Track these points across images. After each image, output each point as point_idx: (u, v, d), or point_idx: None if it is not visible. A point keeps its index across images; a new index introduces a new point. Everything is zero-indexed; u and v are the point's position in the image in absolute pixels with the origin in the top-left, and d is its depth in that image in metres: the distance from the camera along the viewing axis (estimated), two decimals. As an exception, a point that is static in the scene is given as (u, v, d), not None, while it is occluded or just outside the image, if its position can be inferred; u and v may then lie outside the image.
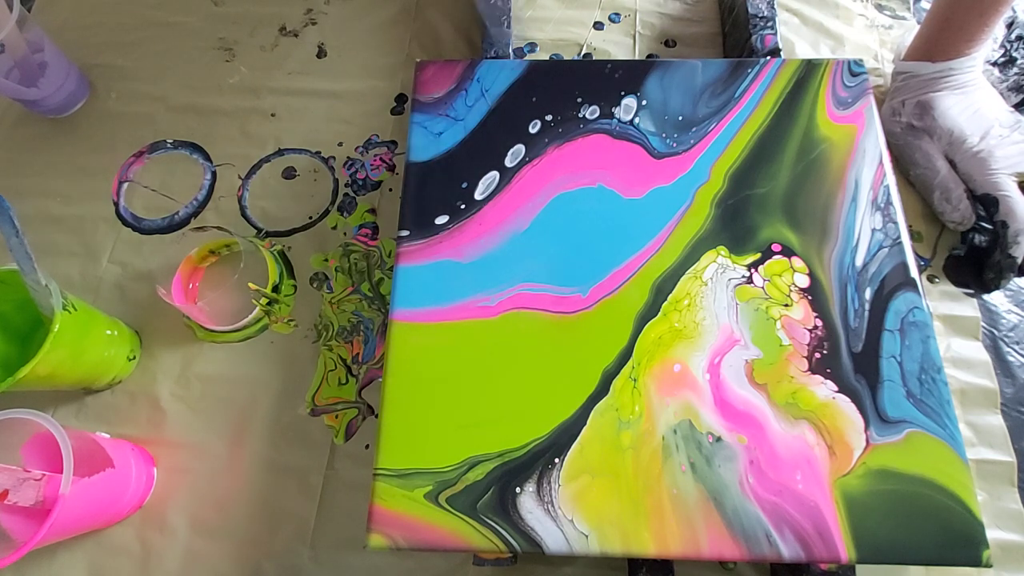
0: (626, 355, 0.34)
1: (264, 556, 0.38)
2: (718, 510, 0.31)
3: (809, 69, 0.42)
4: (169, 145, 0.50)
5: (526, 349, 0.35)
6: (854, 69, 0.41)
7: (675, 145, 0.40)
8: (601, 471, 0.32)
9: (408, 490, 0.32)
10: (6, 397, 0.37)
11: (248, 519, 0.39)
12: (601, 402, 0.33)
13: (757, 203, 0.38)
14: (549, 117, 0.41)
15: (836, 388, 0.33)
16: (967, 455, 0.32)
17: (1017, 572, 0.36)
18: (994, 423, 0.39)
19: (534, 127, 0.41)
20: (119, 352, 0.41)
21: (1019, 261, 0.40)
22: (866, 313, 0.35)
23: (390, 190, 0.47)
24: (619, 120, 0.41)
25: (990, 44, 0.48)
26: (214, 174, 0.49)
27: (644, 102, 0.41)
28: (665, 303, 0.35)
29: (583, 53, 0.52)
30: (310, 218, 0.47)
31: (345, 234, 0.46)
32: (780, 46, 0.46)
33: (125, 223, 0.47)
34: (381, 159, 0.49)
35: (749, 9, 0.47)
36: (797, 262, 0.36)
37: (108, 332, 0.40)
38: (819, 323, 0.35)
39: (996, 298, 0.43)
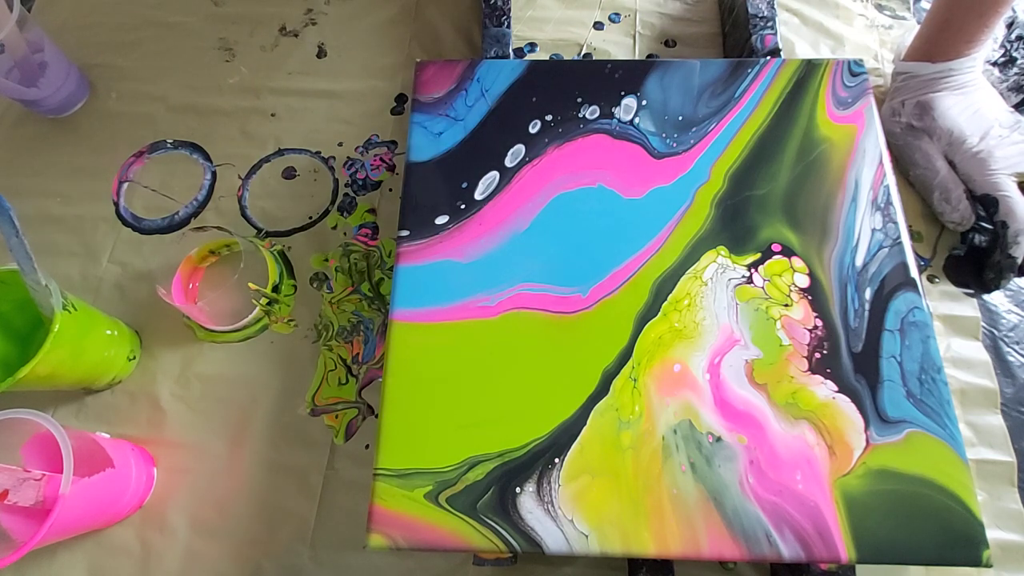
0: (626, 355, 0.34)
1: (264, 556, 0.38)
2: (718, 510, 0.31)
3: (809, 69, 0.42)
4: (169, 145, 0.50)
5: (526, 349, 0.35)
6: (854, 69, 0.41)
7: (675, 145, 0.40)
8: (601, 471, 0.32)
9: (408, 490, 0.32)
10: (6, 397, 0.37)
11: (248, 519, 0.39)
12: (601, 402, 0.33)
13: (757, 203, 0.38)
14: (549, 117, 0.41)
15: (836, 388, 0.33)
16: (967, 455, 0.32)
17: (1017, 572, 0.36)
18: (994, 423, 0.39)
19: (534, 127, 0.41)
20: (119, 352, 0.41)
21: (1019, 261, 0.40)
22: (866, 313, 0.35)
23: (390, 190, 0.47)
24: (619, 120, 0.41)
25: (990, 44, 0.48)
26: (214, 174, 0.49)
27: (644, 102, 0.41)
28: (665, 303, 0.35)
29: (583, 53, 0.52)
30: (310, 218, 0.47)
31: (345, 234, 0.46)
32: (780, 46, 0.46)
33: (125, 223, 0.47)
34: (381, 159, 0.49)
35: (749, 9, 0.47)
36: (797, 262, 0.36)
37: (108, 332, 0.40)
38: (819, 323, 0.35)
39: (996, 298, 0.43)
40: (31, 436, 0.35)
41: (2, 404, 0.35)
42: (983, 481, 0.38)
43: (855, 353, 0.34)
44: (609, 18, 0.53)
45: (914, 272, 0.36)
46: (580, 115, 0.41)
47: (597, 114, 0.41)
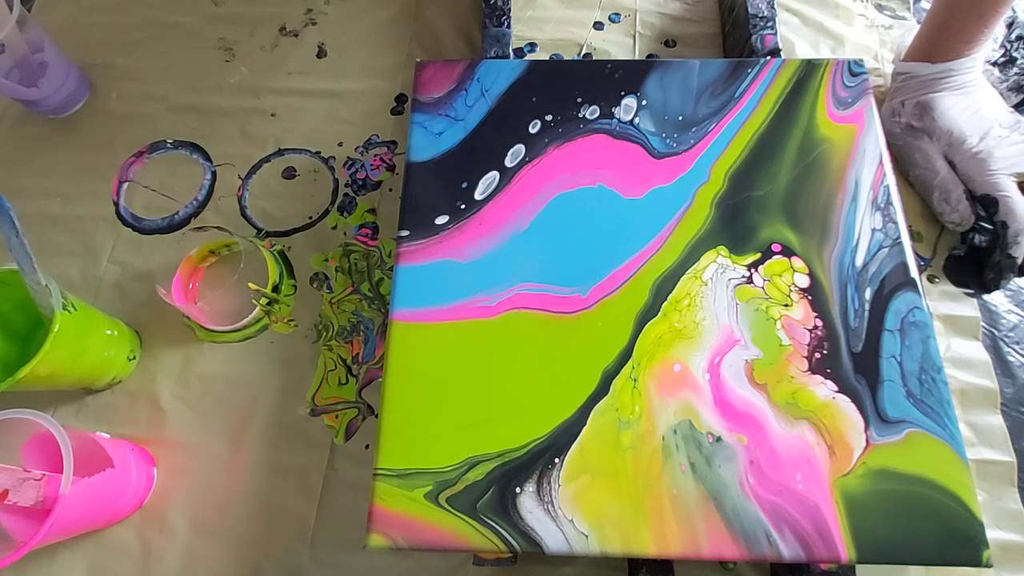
0: (626, 355, 0.34)
1: (264, 556, 0.38)
2: (718, 510, 0.31)
3: (809, 69, 0.42)
4: (169, 145, 0.50)
5: (526, 349, 0.35)
6: (854, 69, 0.41)
7: (675, 145, 0.40)
8: (601, 471, 0.32)
9: (408, 490, 0.32)
10: (6, 397, 0.37)
11: (248, 519, 0.39)
12: (601, 402, 0.33)
13: (757, 203, 0.38)
14: (549, 117, 0.41)
15: (836, 388, 0.33)
16: (967, 455, 0.32)
17: (1017, 572, 0.36)
18: (994, 423, 0.39)
19: (534, 127, 0.41)
20: (119, 352, 0.41)
21: (1019, 261, 0.40)
22: (866, 313, 0.35)
23: (390, 190, 0.47)
24: (619, 120, 0.41)
25: (990, 44, 0.48)
26: (214, 174, 0.49)
27: (644, 102, 0.41)
28: (665, 303, 0.35)
29: (583, 53, 0.52)
30: (310, 218, 0.47)
31: (345, 234, 0.46)
32: (780, 46, 0.46)
33: (125, 223, 0.47)
34: (381, 159, 0.49)
35: (749, 9, 0.47)
36: (797, 262, 0.36)
37: (108, 332, 0.40)
38: (819, 323, 0.35)
39: (996, 298, 0.43)
40: (31, 436, 0.35)
41: (2, 404, 0.35)
42: (983, 481, 0.38)
43: (855, 353, 0.34)
44: (609, 18, 0.53)
45: (914, 272, 0.36)
46: (580, 115, 0.41)
47: (597, 114, 0.41)
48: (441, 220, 0.38)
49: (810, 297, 0.35)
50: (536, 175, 0.39)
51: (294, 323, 0.44)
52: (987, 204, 0.41)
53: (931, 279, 0.43)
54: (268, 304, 0.43)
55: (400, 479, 0.32)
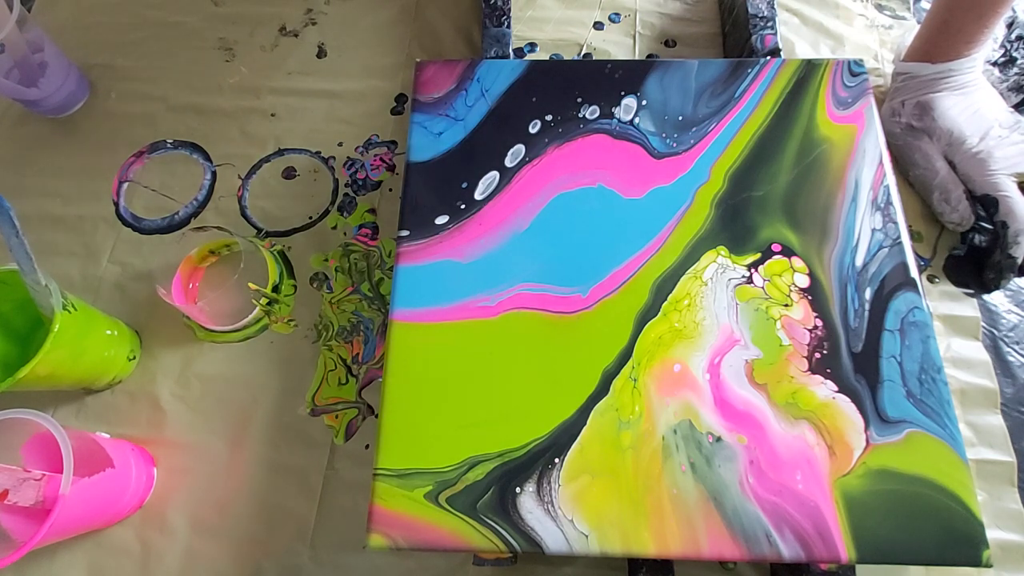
0: (626, 355, 0.34)
1: (264, 556, 0.38)
2: (718, 510, 0.31)
3: (809, 69, 0.42)
4: (169, 145, 0.50)
5: (526, 349, 0.35)
6: (854, 69, 0.41)
7: (675, 145, 0.40)
8: (601, 471, 0.32)
9: (408, 490, 0.32)
10: (6, 397, 0.37)
11: (248, 519, 0.39)
12: (601, 402, 0.33)
13: (757, 203, 0.38)
14: (549, 117, 0.41)
15: (836, 388, 0.33)
16: (967, 455, 0.32)
17: (1017, 572, 0.36)
18: (994, 423, 0.39)
19: (534, 127, 0.41)
20: (119, 352, 0.41)
21: (1019, 261, 0.40)
22: (866, 313, 0.35)
23: (390, 190, 0.47)
24: (619, 120, 0.41)
25: (990, 44, 0.48)
26: (214, 174, 0.49)
27: (644, 102, 0.41)
28: (665, 303, 0.35)
29: (583, 53, 0.52)
30: (310, 218, 0.47)
31: (345, 234, 0.46)
32: (780, 46, 0.46)
33: (125, 223, 0.47)
34: (381, 159, 0.49)
35: (749, 9, 0.47)
36: (797, 262, 0.36)
37: (108, 332, 0.40)
38: (819, 323, 0.35)
39: (996, 298, 0.43)
40: (31, 436, 0.35)
41: (2, 404, 0.35)
42: (983, 481, 0.38)
43: (855, 353, 0.34)
44: (609, 18, 0.53)
45: (914, 272, 0.36)
46: (580, 115, 0.41)
47: (597, 114, 0.41)
48: (441, 220, 0.38)
49: (810, 297, 0.35)
50: (536, 175, 0.39)
51: (294, 323, 0.44)
52: (987, 204, 0.41)
53: (931, 279, 0.43)
54: (268, 304, 0.43)
55: (400, 479, 0.32)
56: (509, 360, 0.35)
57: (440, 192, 0.39)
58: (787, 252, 0.37)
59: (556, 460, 0.32)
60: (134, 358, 0.43)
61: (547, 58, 0.52)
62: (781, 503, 0.31)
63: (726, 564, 0.36)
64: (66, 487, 0.31)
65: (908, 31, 0.48)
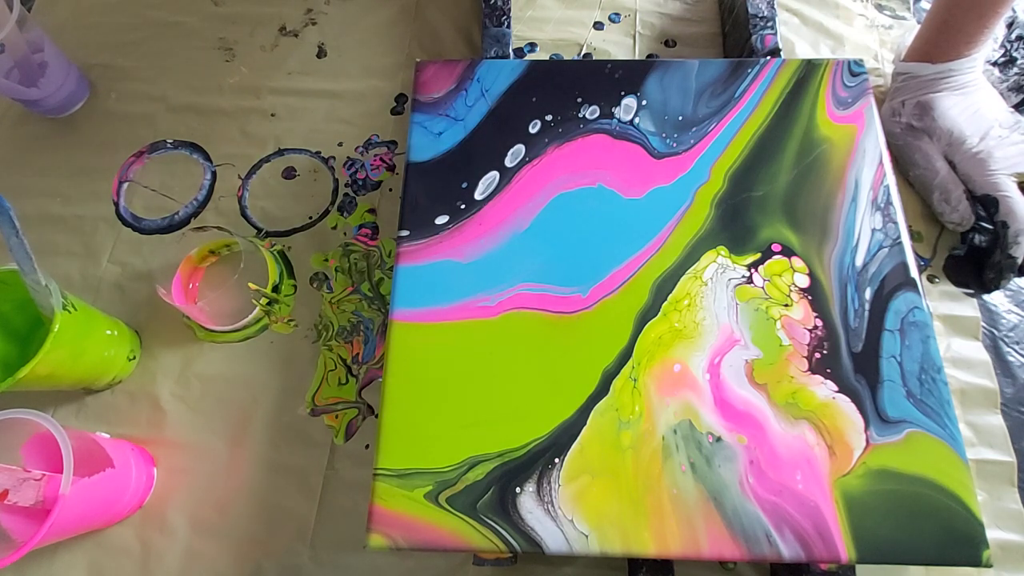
0: (626, 355, 0.34)
1: (264, 556, 0.38)
2: (718, 510, 0.31)
3: (809, 69, 0.42)
4: (169, 145, 0.50)
5: (526, 349, 0.35)
6: (854, 69, 0.41)
7: (675, 145, 0.40)
8: (601, 471, 0.32)
9: (408, 490, 0.32)
10: (6, 397, 0.37)
11: (248, 519, 0.39)
12: (601, 402, 0.33)
13: (757, 203, 0.38)
14: (549, 117, 0.41)
15: (836, 388, 0.33)
16: (967, 455, 0.32)
17: (1017, 572, 0.36)
18: (994, 423, 0.39)
19: (534, 127, 0.41)
20: (119, 352, 0.41)
21: (1019, 261, 0.40)
22: (866, 313, 0.35)
23: (390, 190, 0.47)
24: (619, 120, 0.41)
25: (990, 44, 0.48)
26: (214, 174, 0.49)
27: (644, 102, 0.41)
28: (665, 303, 0.35)
29: (583, 53, 0.52)
30: (310, 218, 0.47)
31: (345, 234, 0.46)
32: (780, 46, 0.46)
33: (125, 223, 0.47)
34: (381, 159, 0.49)
35: (749, 9, 0.47)
36: (797, 262, 0.36)
37: (108, 332, 0.40)
38: (819, 323, 0.35)
39: (996, 298, 0.43)
40: (31, 436, 0.35)
41: (2, 404, 0.35)
42: (983, 481, 0.38)
43: (855, 353, 0.34)
44: (609, 18, 0.53)
45: (914, 272, 0.36)
46: (580, 115, 0.41)
47: (597, 114, 0.41)
48: (441, 220, 0.38)
49: (810, 297, 0.35)
50: (536, 175, 0.39)
51: (294, 323, 0.44)
52: (987, 204, 0.41)
53: (931, 279, 0.43)
54: (268, 304, 0.43)
55: (400, 479, 0.32)
56: (509, 360, 0.35)
57: (440, 192, 0.39)
58: (787, 252, 0.37)
59: (556, 460, 0.32)
60: (134, 358, 0.43)
61: (547, 58, 0.52)
62: (781, 503, 0.31)
63: (726, 564, 0.36)
64: (66, 487, 0.31)
65: (908, 31, 0.48)
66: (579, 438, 0.33)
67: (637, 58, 0.52)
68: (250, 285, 0.41)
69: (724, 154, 0.39)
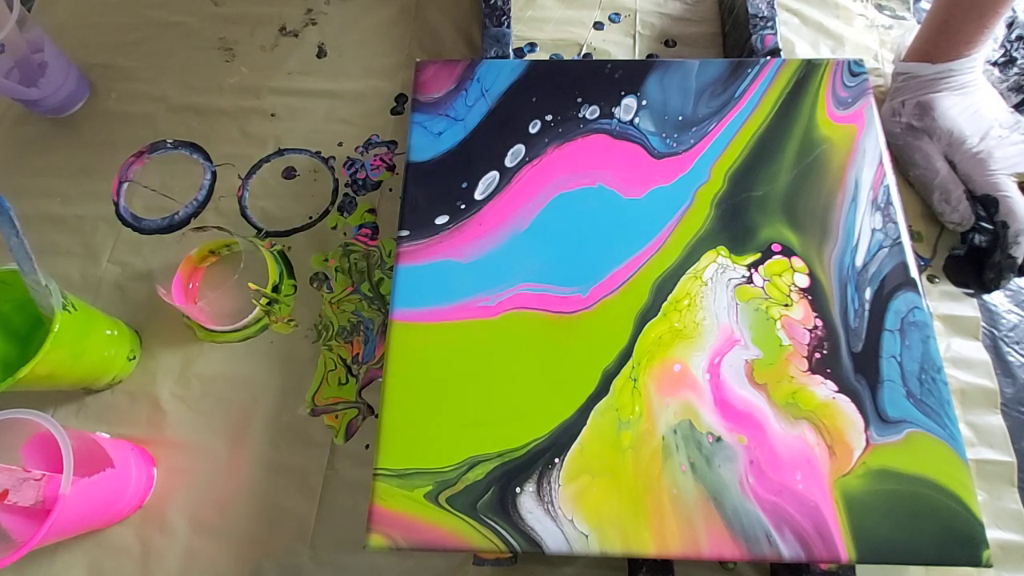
0: (626, 355, 0.34)
1: (264, 556, 0.38)
2: (718, 510, 0.31)
3: (809, 69, 0.42)
4: (169, 145, 0.50)
5: (526, 349, 0.35)
6: (854, 69, 0.41)
7: (675, 145, 0.40)
8: (601, 471, 0.32)
9: (408, 490, 0.32)
10: (6, 397, 0.37)
11: (248, 519, 0.39)
12: (601, 402, 0.33)
13: (757, 203, 0.38)
14: (549, 117, 0.41)
15: (836, 388, 0.33)
16: (967, 455, 0.32)
17: (1017, 572, 0.36)
18: (994, 423, 0.39)
19: (534, 127, 0.41)
20: (119, 352, 0.41)
21: (1019, 261, 0.40)
22: (866, 313, 0.35)
23: (390, 190, 0.47)
24: (619, 120, 0.41)
25: (990, 44, 0.48)
26: (214, 174, 0.49)
27: (644, 102, 0.41)
28: (665, 303, 0.35)
29: (583, 53, 0.52)
30: (310, 218, 0.47)
31: (345, 234, 0.46)
32: (780, 46, 0.46)
33: (125, 223, 0.47)
34: (381, 159, 0.49)
35: (749, 9, 0.47)
36: (797, 262, 0.36)
37: (108, 332, 0.40)
38: (819, 323, 0.35)
39: (996, 298, 0.43)
40: (31, 436, 0.35)
41: (2, 404, 0.35)
42: (983, 481, 0.38)
43: (855, 353, 0.34)
44: (609, 18, 0.53)
45: (914, 272, 0.36)
46: (580, 115, 0.41)
47: (597, 114, 0.41)
48: (441, 220, 0.38)
49: (810, 297, 0.35)
50: (536, 175, 0.39)
51: (294, 323, 0.44)
52: (987, 204, 0.41)
53: (931, 279, 0.43)
54: (268, 304, 0.43)
55: (400, 479, 0.32)
56: (509, 360, 0.35)
57: (440, 192, 0.39)
58: (787, 252, 0.37)
59: (556, 460, 0.32)
60: (134, 358, 0.43)
61: (547, 58, 0.52)
62: (781, 503, 0.31)
63: (726, 564, 0.36)
64: (66, 487, 0.31)
65: (908, 31, 0.48)
66: (579, 438, 0.33)
67: (637, 58, 0.52)
68: (250, 285, 0.41)
69: (724, 154, 0.39)
